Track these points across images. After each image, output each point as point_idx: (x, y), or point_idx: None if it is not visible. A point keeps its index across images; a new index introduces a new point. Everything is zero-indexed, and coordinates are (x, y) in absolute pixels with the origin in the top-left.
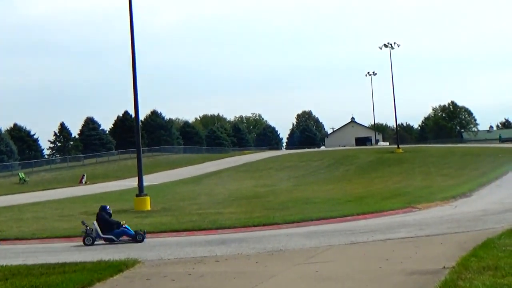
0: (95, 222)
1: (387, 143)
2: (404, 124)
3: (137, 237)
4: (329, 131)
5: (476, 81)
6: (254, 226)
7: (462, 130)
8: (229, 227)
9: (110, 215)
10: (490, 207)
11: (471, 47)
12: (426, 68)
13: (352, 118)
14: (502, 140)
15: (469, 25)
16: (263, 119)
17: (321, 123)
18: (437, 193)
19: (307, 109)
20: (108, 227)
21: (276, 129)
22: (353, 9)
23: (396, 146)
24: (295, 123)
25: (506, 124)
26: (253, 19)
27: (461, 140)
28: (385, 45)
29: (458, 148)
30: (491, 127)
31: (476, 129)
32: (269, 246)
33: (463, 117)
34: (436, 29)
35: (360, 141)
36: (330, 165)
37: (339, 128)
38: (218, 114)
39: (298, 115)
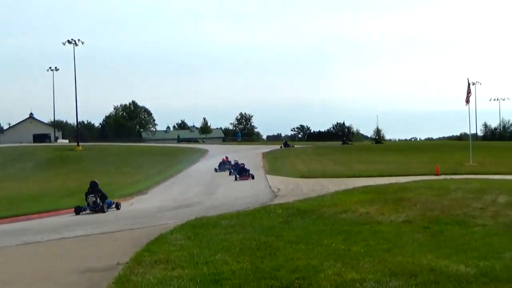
0: None
1: (67, 141)
2: (85, 122)
3: None
4: (5, 127)
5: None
6: None
7: (142, 130)
8: None
9: None
10: (164, 204)
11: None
12: (110, 67)
13: (31, 114)
14: (179, 140)
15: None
16: None
17: None
18: (115, 191)
19: None
20: None
21: None
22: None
23: (76, 143)
24: None
25: (182, 125)
26: None
27: (140, 139)
28: (69, 41)
29: (137, 147)
30: (168, 127)
31: (154, 129)
32: None
33: (143, 117)
34: (129, 30)
35: (39, 137)
36: (4, 163)
37: (16, 124)
38: None
39: None
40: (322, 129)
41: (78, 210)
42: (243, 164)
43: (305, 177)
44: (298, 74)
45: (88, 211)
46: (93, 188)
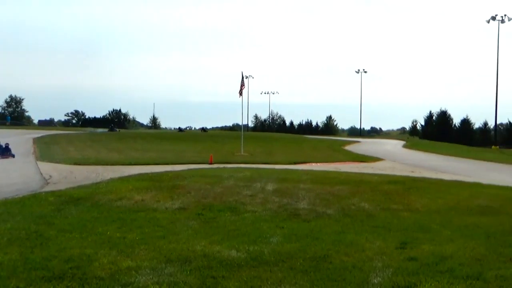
0: None
1: None
2: None
3: None
4: None
5: None
6: None
7: None
8: None
9: None
10: None
11: None
12: None
13: None
14: None
15: None
16: None
17: None
18: None
19: None
20: None
21: None
22: None
23: None
24: None
25: None
26: None
27: None
28: None
29: None
30: None
31: None
32: None
33: None
34: None
35: None
36: None
37: None
38: None
39: None
40: (98, 115)
41: None
42: (7, 144)
43: (79, 164)
44: (74, 59)
45: None
46: None
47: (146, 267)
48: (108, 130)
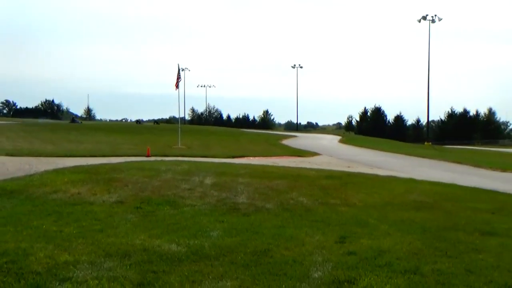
0: None
1: None
2: None
3: None
4: None
5: None
6: None
7: None
8: None
9: None
10: None
11: None
12: None
13: None
14: None
15: None
16: None
17: None
18: None
19: None
20: None
21: None
22: None
23: None
24: None
25: None
26: None
27: None
28: None
29: None
30: None
31: None
32: None
33: None
34: None
35: None
36: None
37: None
38: None
39: None
40: (30, 106)
41: None
42: None
43: (11, 155)
44: (5, 46)
45: None
46: None
47: (85, 261)
48: (70, 122)
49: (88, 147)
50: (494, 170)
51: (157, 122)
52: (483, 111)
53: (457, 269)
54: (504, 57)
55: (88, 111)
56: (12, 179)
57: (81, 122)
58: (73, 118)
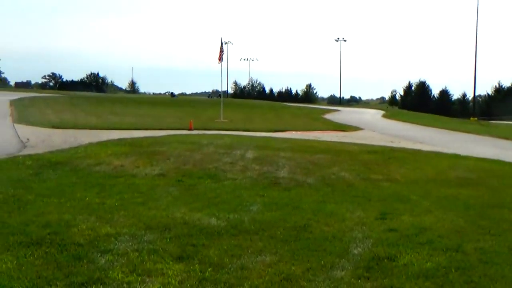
0: None
1: None
2: None
3: None
4: None
5: None
6: None
7: None
8: None
9: None
10: None
11: None
12: None
13: None
14: None
15: None
16: None
17: None
18: None
19: None
20: None
21: None
22: None
23: None
24: None
25: None
26: None
27: None
28: None
29: None
30: None
31: None
32: None
33: None
34: None
35: None
36: None
37: None
38: None
39: None
40: (75, 79)
41: None
42: None
43: (57, 128)
44: (48, 20)
45: None
46: None
47: (126, 233)
48: (170, 96)
49: (131, 120)
50: None
51: (173, 95)
52: None
53: (501, 248)
54: None
55: (132, 84)
56: (58, 151)
57: (177, 96)
58: (172, 93)
